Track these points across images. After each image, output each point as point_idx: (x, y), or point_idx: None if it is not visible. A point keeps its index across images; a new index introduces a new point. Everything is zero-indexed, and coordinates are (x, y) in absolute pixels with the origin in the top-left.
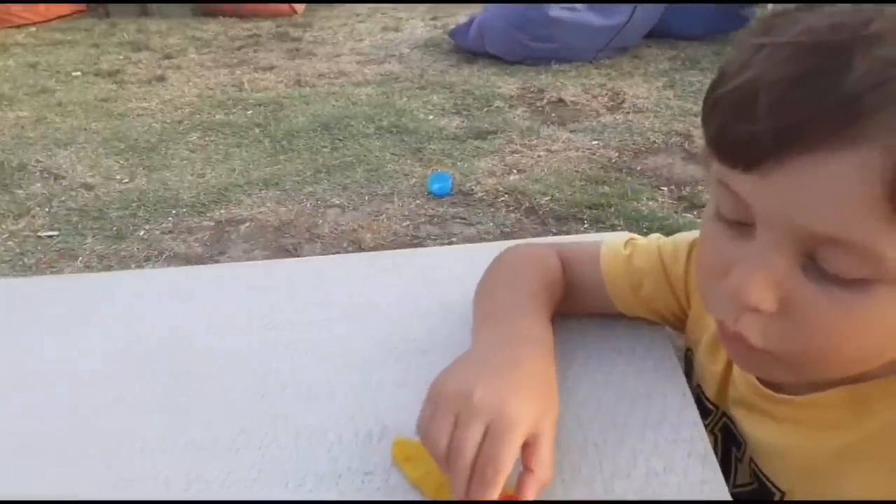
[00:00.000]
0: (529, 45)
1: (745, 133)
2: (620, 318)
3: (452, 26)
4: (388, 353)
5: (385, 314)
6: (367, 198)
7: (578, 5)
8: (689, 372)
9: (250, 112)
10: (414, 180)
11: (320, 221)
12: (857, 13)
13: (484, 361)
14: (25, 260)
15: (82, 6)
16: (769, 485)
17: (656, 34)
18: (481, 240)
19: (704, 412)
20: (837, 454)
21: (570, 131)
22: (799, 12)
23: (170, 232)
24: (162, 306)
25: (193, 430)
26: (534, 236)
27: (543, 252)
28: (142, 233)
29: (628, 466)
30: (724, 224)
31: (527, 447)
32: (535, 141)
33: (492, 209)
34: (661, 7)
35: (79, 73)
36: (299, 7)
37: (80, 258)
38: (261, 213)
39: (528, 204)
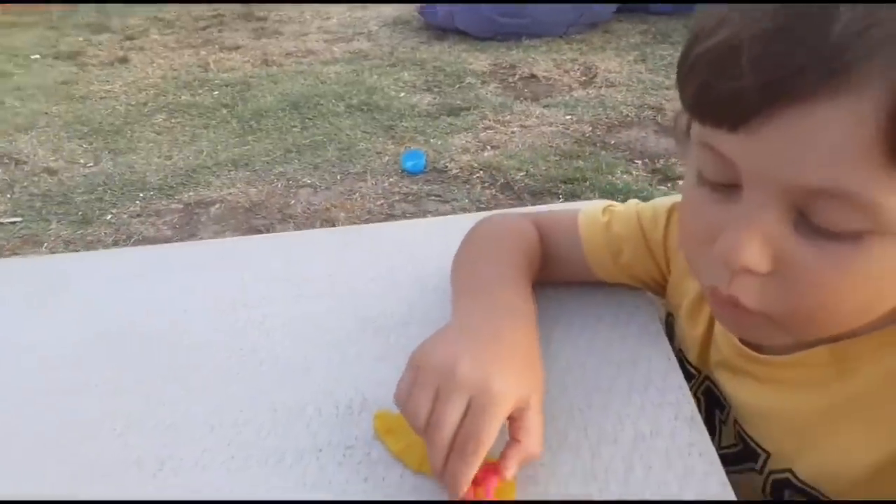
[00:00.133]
0: (499, 20)
1: (730, 90)
2: (602, 285)
3: (422, 3)
4: (366, 326)
5: (360, 288)
6: (339, 177)
7: None
8: (670, 336)
9: (217, 93)
10: (387, 158)
11: (292, 201)
12: None
13: (467, 334)
14: None
15: None
16: (754, 446)
17: (627, 8)
18: None
19: (687, 376)
20: (822, 413)
21: (543, 106)
22: None
23: (138, 216)
24: (129, 286)
25: (165, 411)
26: None
27: (520, 222)
28: (109, 217)
29: (615, 431)
30: (708, 188)
31: (513, 421)
32: (508, 117)
33: (467, 186)
34: None
35: (37, 57)
36: None
37: (46, 244)
38: (231, 194)
39: (503, 180)
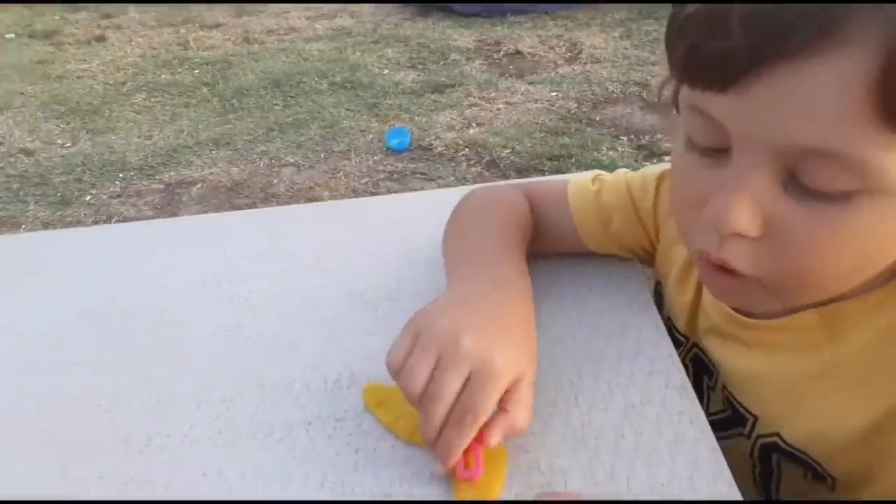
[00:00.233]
0: None
1: (719, 50)
2: (591, 256)
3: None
4: (354, 301)
5: (347, 263)
6: (322, 155)
7: None
8: (659, 305)
9: (197, 71)
10: (371, 136)
11: (275, 180)
12: None
13: (467, 305)
14: None
15: None
16: (742, 411)
17: None
18: None
19: (675, 344)
20: (809, 377)
21: (529, 83)
22: None
23: (118, 196)
24: (110, 264)
25: (150, 388)
26: None
27: (510, 193)
28: (88, 198)
29: (605, 400)
30: (698, 153)
31: (506, 392)
32: (493, 94)
33: (452, 163)
34: None
35: (12, 36)
36: None
37: (24, 225)
38: (212, 173)
39: (488, 157)
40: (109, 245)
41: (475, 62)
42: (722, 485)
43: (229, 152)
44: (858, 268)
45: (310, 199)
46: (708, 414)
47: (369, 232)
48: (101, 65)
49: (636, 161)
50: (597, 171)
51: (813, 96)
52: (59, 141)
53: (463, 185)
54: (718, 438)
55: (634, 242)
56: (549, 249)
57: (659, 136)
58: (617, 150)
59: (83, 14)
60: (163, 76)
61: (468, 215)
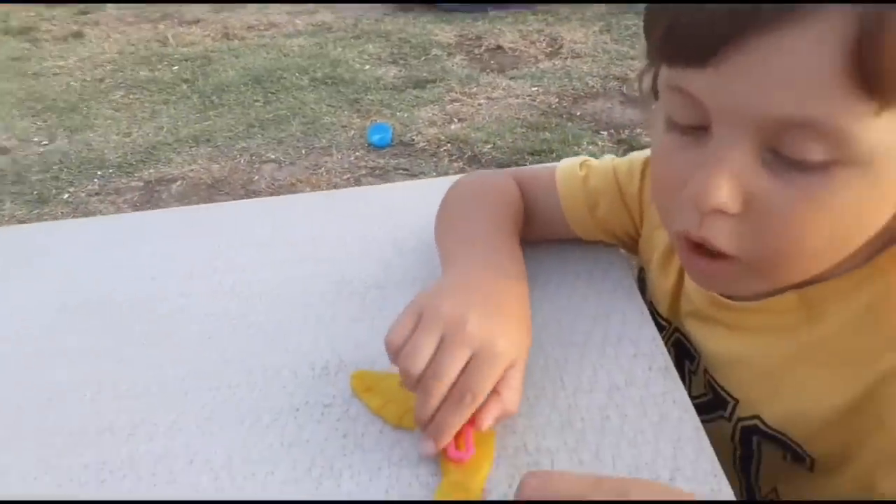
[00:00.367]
0: None
1: (698, 23)
2: (578, 243)
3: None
4: (341, 289)
5: (334, 252)
6: (304, 151)
7: None
8: (642, 291)
9: (176, 68)
10: (353, 132)
11: (256, 177)
12: None
13: (468, 289)
14: None
15: None
16: (723, 394)
17: None
18: None
19: (657, 328)
20: (789, 358)
21: (510, 78)
22: None
23: (96, 194)
24: (96, 256)
25: (137, 377)
26: None
27: (501, 178)
28: (66, 196)
29: (591, 382)
30: (678, 133)
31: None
32: (474, 89)
33: (434, 159)
34: None
35: None
36: None
37: (0, 225)
38: (192, 170)
39: (470, 153)
40: (95, 237)
41: (456, 57)
42: (705, 462)
43: (209, 149)
44: (837, 243)
45: None
46: (690, 398)
47: (356, 221)
48: (78, 61)
49: (617, 155)
50: (584, 157)
51: (790, 66)
52: (36, 139)
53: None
54: (700, 422)
55: (620, 228)
56: (537, 235)
57: (639, 130)
58: (598, 144)
59: (59, 10)
60: (141, 73)
61: (461, 201)
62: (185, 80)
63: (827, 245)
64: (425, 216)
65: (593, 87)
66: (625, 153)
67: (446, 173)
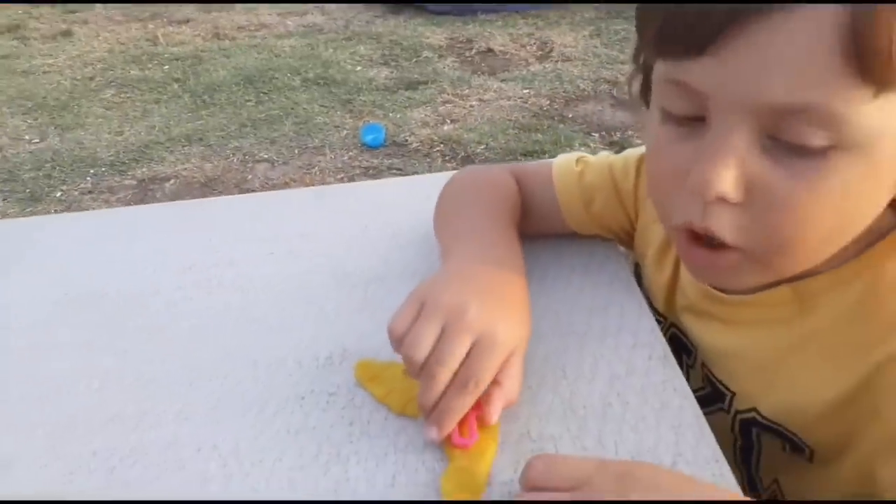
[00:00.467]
0: None
1: (696, 13)
2: (574, 238)
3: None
4: (342, 282)
5: (334, 246)
6: (297, 151)
7: None
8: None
9: (167, 67)
10: (345, 132)
11: (249, 176)
12: None
13: (468, 279)
14: None
15: None
16: (721, 387)
17: None
18: None
19: None
20: (783, 351)
21: (501, 80)
22: None
23: (89, 192)
24: (97, 249)
25: (141, 368)
26: None
27: (499, 172)
28: (59, 194)
29: (591, 372)
30: (674, 125)
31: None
32: (466, 91)
33: (427, 159)
34: None
35: None
36: None
37: None
38: (185, 169)
39: (463, 153)
40: (94, 231)
41: (447, 60)
42: (706, 448)
43: (202, 148)
44: (838, 231)
45: None
46: None
47: (354, 216)
48: (67, 60)
49: None
50: (581, 153)
51: (788, 52)
52: (27, 137)
53: None
54: None
55: (615, 223)
56: (533, 229)
57: (630, 132)
58: (589, 146)
59: (47, 8)
60: (132, 72)
61: (459, 194)
62: (177, 80)
63: (828, 232)
64: (422, 211)
65: (584, 89)
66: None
67: (439, 174)
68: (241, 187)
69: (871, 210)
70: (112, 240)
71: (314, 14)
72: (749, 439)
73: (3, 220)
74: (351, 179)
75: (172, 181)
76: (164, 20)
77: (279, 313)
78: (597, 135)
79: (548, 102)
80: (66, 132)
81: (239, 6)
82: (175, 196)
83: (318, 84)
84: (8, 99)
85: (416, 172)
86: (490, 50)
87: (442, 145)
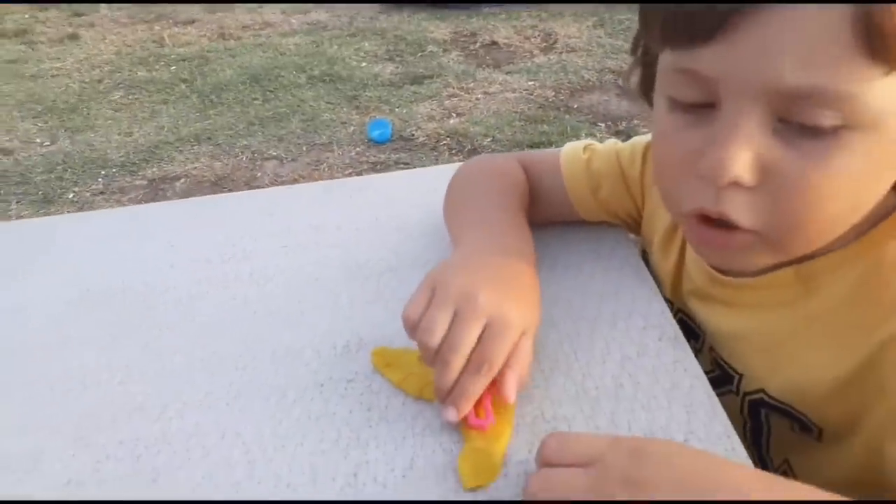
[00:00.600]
0: None
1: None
2: (582, 225)
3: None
4: (355, 273)
5: (346, 238)
6: (305, 148)
7: None
8: None
9: (174, 68)
10: (352, 128)
11: (259, 174)
12: None
13: (478, 264)
14: None
15: None
16: (728, 369)
17: None
18: None
19: None
20: (788, 332)
21: (506, 73)
22: None
23: (101, 193)
24: (110, 247)
25: (163, 360)
26: None
27: (506, 161)
28: (71, 195)
29: (602, 354)
30: (682, 112)
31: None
32: (471, 84)
33: (434, 153)
34: None
35: None
36: None
37: None
38: (195, 168)
39: (470, 146)
40: (109, 229)
41: (452, 53)
42: (718, 425)
43: (211, 147)
44: (849, 210)
45: None
46: None
47: (365, 209)
48: (75, 63)
49: None
50: (588, 141)
51: (798, 34)
52: (38, 140)
53: None
54: None
55: (622, 209)
56: (542, 217)
57: (636, 121)
58: (596, 136)
59: (54, 12)
60: (139, 73)
61: (468, 182)
62: (184, 80)
63: (840, 212)
64: (431, 202)
65: (589, 80)
66: None
67: None
68: (251, 185)
69: (880, 188)
70: (128, 237)
71: (318, 11)
72: (758, 420)
73: (19, 221)
74: (359, 175)
75: (183, 180)
76: (170, 21)
77: (295, 305)
78: (603, 125)
79: (553, 94)
80: (76, 134)
81: (242, 4)
82: (185, 195)
83: (323, 81)
84: (18, 103)
85: (423, 167)
86: (494, 43)
87: (448, 139)
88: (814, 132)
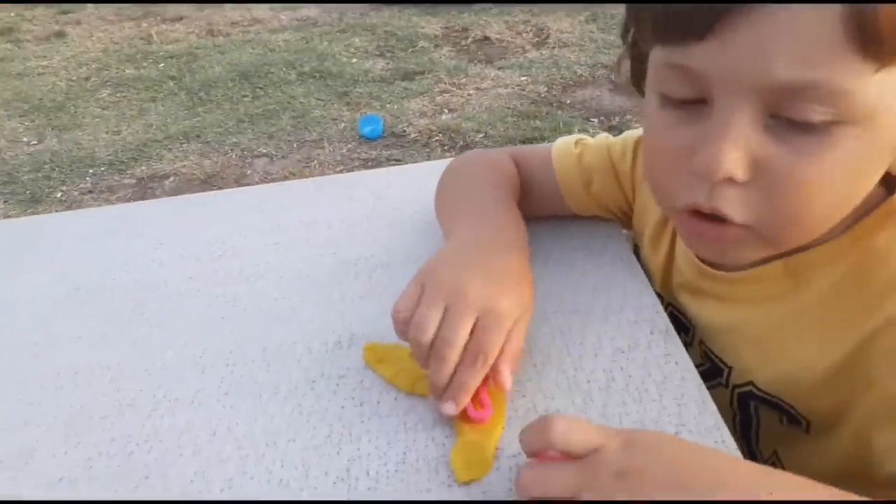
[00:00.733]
0: None
1: None
2: (574, 219)
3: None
4: (347, 269)
5: (337, 234)
6: (295, 145)
7: None
8: None
9: (162, 65)
10: (343, 125)
11: (249, 171)
12: None
13: (468, 257)
14: None
15: None
16: (718, 362)
17: None
18: None
19: None
20: (777, 325)
21: (498, 68)
22: None
23: (89, 192)
24: (99, 245)
25: (154, 357)
26: None
27: (498, 155)
28: (59, 194)
29: (595, 348)
30: (673, 108)
31: None
32: (463, 79)
33: (426, 149)
34: None
35: None
36: None
37: None
38: (184, 166)
39: (462, 142)
40: (99, 227)
41: (443, 49)
42: (708, 417)
43: (200, 145)
44: (840, 204)
45: None
46: None
47: (356, 205)
48: (62, 61)
49: None
50: (579, 135)
51: (791, 31)
52: (25, 139)
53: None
54: None
55: (613, 203)
56: (534, 211)
57: (629, 116)
58: (588, 131)
59: (40, 10)
60: (127, 71)
61: (459, 176)
62: (172, 78)
63: (831, 205)
64: (422, 197)
65: (582, 75)
66: None
67: None
68: (241, 183)
69: (869, 182)
70: (116, 235)
71: (308, 7)
72: (747, 413)
73: (6, 221)
74: (350, 172)
75: (172, 179)
76: (158, 18)
77: (286, 302)
78: (595, 120)
79: (545, 89)
80: (63, 133)
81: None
82: (175, 193)
83: (314, 77)
84: (4, 102)
85: (415, 163)
86: (486, 38)
87: (440, 135)
88: (805, 128)
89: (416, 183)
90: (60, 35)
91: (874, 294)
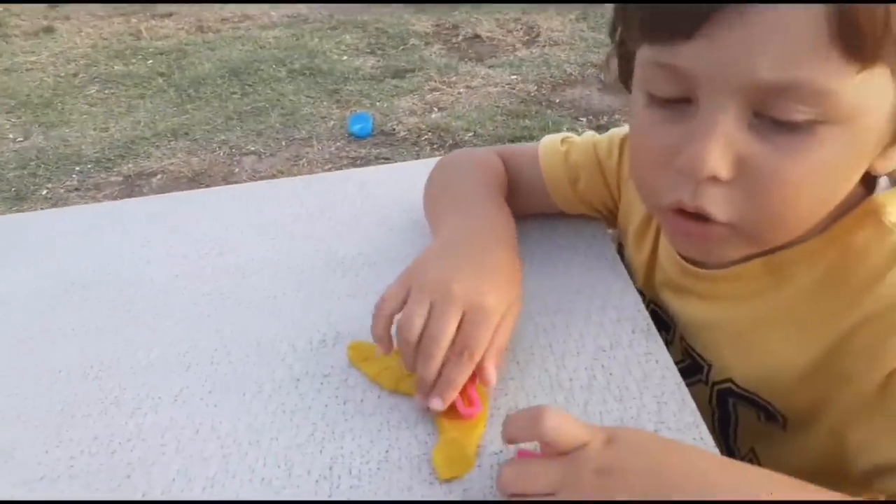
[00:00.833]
0: None
1: None
2: (560, 218)
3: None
4: (334, 267)
5: (324, 232)
6: (284, 143)
7: None
8: None
9: (151, 61)
10: (332, 122)
11: (237, 169)
12: None
13: (454, 254)
14: None
15: None
16: (698, 358)
17: None
18: None
19: None
20: (756, 322)
21: (489, 67)
22: None
23: (76, 189)
24: (85, 242)
25: (138, 354)
26: None
27: (486, 154)
28: (44, 192)
29: (577, 346)
30: (659, 107)
31: None
32: (453, 78)
33: (416, 148)
34: None
35: None
36: None
37: None
38: (172, 164)
39: (451, 141)
40: (84, 224)
41: (434, 47)
42: (687, 415)
43: (188, 142)
44: (823, 202)
45: None
46: None
47: (344, 203)
48: (50, 56)
49: None
50: (566, 134)
51: (777, 31)
52: (11, 135)
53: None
54: None
55: (599, 201)
56: (521, 209)
57: (618, 116)
58: (577, 131)
59: (28, 4)
60: (116, 67)
61: (446, 173)
62: (161, 74)
63: (815, 204)
64: (411, 195)
65: (571, 74)
66: None
67: None
68: (229, 180)
69: (850, 182)
70: (103, 233)
71: (298, 4)
72: (726, 410)
73: (3, 215)
74: (339, 170)
75: (159, 176)
76: (147, 14)
77: (272, 299)
78: (584, 119)
79: (535, 88)
80: (50, 130)
81: None
82: (162, 191)
83: (303, 75)
84: None
85: (404, 161)
86: (477, 36)
87: (430, 133)
88: (789, 127)
89: (404, 181)
90: (49, 30)
91: (853, 291)
